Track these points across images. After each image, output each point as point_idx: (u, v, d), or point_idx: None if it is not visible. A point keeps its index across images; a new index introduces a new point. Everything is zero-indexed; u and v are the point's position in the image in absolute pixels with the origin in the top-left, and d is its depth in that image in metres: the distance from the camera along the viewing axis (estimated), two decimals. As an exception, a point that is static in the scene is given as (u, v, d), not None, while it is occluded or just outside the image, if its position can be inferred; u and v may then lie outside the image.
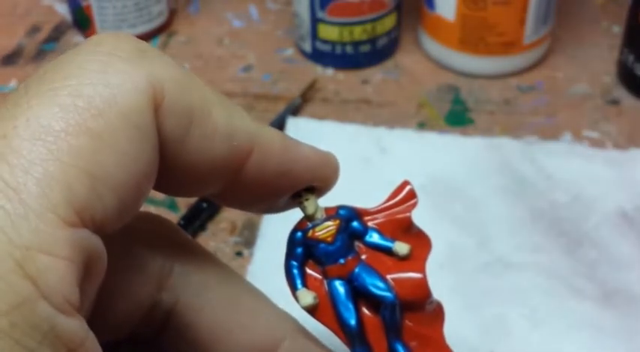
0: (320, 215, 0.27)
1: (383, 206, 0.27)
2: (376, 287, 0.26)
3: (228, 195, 0.26)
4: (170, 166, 0.24)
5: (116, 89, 0.22)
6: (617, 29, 0.59)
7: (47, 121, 0.21)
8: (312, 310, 0.26)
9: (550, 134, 0.51)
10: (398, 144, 0.49)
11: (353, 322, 0.26)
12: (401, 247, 0.26)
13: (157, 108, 0.23)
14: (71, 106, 0.21)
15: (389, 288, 0.26)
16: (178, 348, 0.28)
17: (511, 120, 0.52)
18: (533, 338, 0.39)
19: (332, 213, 0.27)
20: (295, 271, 0.26)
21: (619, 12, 0.59)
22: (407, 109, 0.53)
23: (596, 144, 0.50)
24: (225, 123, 0.24)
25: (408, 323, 0.26)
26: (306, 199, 0.27)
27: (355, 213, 0.27)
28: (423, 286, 0.26)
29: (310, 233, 0.26)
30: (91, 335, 0.21)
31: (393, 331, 0.26)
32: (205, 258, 0.28)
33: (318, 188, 0.27)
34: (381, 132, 0.50)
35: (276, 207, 0.27)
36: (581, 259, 0.42)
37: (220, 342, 0.27)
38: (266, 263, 0.43)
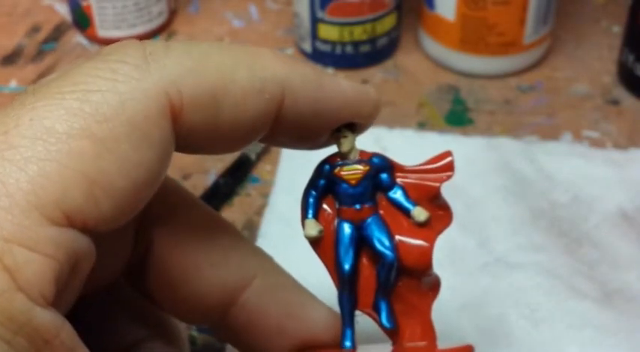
0: (354, 156, 0.27)
1: (418, 168, 0.27)
2: (381, 243, 0.26)
3: (269, 137, 0.26)
4: (208, 138, 0.24)
5: (125, 96, 0.22)
6: (617, 29, 0.59)
7: (51, 123, 0.21)
8: (314, 242, 0.26)
9: (550, 134, 0.51)
10: (398, 144, 0.49)
11: (347, 266, 0.26)
12: (420, 213, 0.26)
13: (177, 111, 0.23)
14: (77, 110, 0.21)
15: (392, 248, 0.26)
16: (151, 292, 0.28)
17: (511, 120, 0.52)
18: (533, 338, 0.39)
19: (366, 157, 0.27)
20: (311, 200, 0.27)
21: (619, 12, 0.59)
22: (407, 109, 0.53)
23: (596, 144, 0.50)
24: (252, 83, 0.24)
25: (400, 287, 0.26)
26: (344, 136, 0.26)
27: (388, 166, 0.27)
28: (426, 256, 0.26)
29: (337, 169, 0.26)
30: (67, 326, 0.21)
31: (383, 290, 0.26)
32: (181, 195, 0.28)
33: (358, 125, 0.27)
34: (381, 132, 0.50)
35: (318, 143, 0.27)
36: (581, 259, 0.42)
37: (190, 282, 0.27)
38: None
